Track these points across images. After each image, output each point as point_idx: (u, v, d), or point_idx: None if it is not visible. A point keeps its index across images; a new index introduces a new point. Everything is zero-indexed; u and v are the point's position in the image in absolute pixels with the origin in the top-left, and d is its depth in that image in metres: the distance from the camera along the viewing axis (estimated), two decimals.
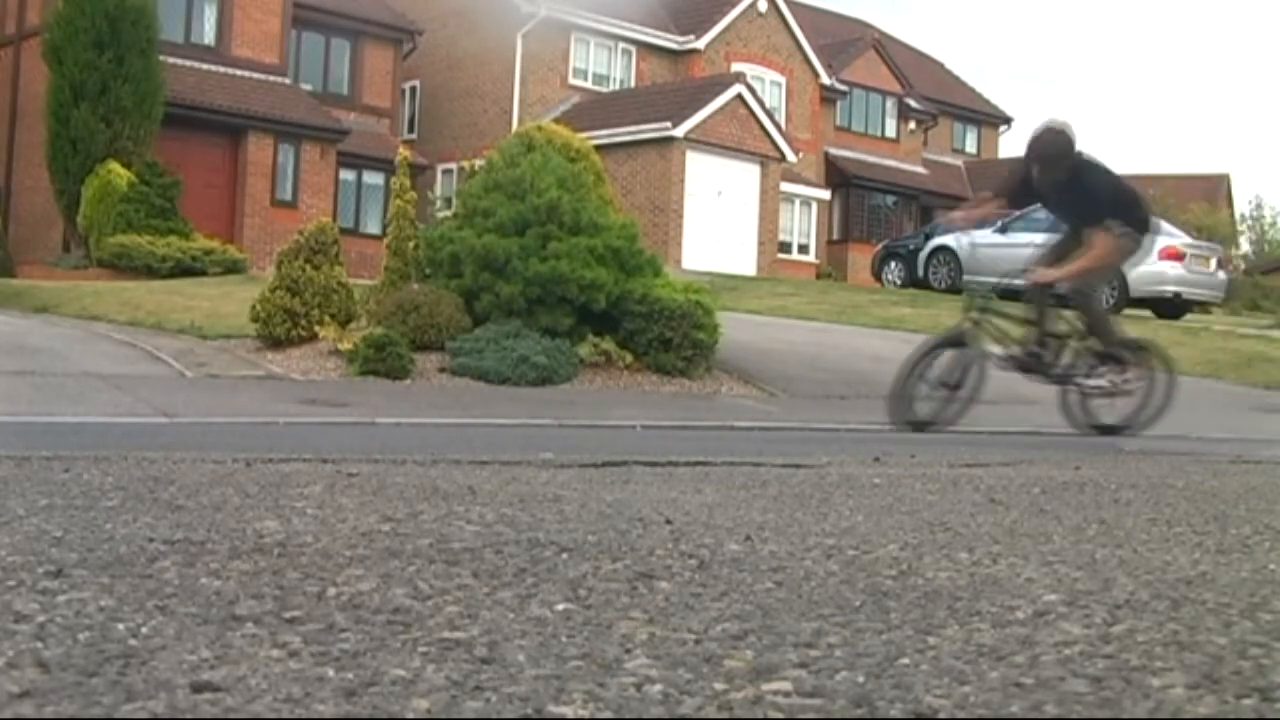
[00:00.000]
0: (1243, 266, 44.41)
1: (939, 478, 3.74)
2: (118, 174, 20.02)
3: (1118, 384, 7.48)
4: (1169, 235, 20.55)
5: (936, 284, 21.95)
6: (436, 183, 25.01)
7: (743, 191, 27.68)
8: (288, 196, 24.44)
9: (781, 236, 29.58)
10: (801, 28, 32.57)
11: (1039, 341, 7.35)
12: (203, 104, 23.09)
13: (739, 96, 27.19)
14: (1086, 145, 8.12)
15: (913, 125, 37.57)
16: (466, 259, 10.45)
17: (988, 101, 42.23)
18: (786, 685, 1.34)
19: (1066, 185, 7.11)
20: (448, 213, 13.07)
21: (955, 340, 7.40)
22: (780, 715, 1.24)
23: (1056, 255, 7.44)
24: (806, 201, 31.18)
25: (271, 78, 24.75)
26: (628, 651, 1.47)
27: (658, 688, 1.32)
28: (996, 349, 7.34)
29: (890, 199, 35.78)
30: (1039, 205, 8.26)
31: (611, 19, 29.35)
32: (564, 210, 10.42)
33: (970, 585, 1.97)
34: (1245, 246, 53.52)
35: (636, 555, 2.13)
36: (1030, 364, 7.35)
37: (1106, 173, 7.24)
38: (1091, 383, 7.47)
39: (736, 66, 30.01)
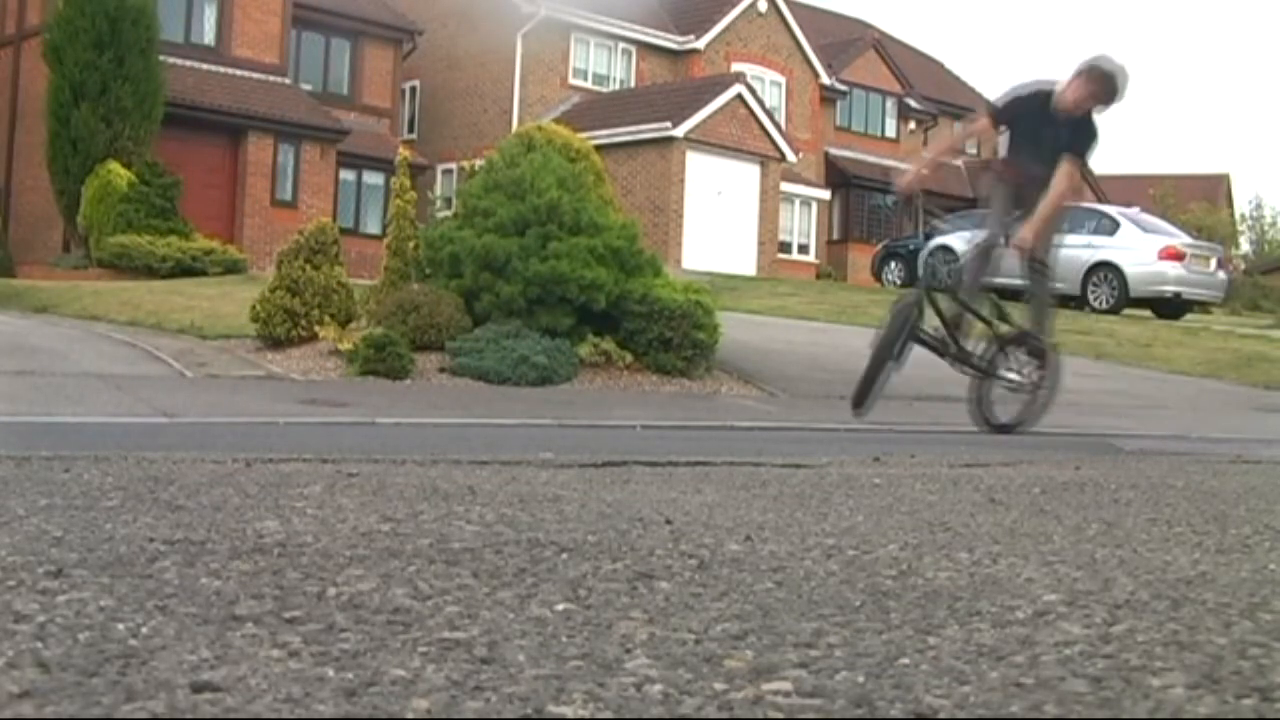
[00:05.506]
0: (1243, 266, 44.41)
1: (939, 478, 3.74)
2: (118, 174, 20.02)
3: (1035, 381, 6.83)
4: (1168, 235, 20.56)
5: (937, 284, 21.95)
6: (436, 183, 25.00)
7: (743, 191, 27.68)
8: (288, 196, 24.44)
9: (781, 236, 29.58)
10: (801, 28, 32.57)
11: (955, 323, 6.77)
12: (203, 104, 23.10)
13: (739, 96, 27.19)
14: None
15: (913, 125, 37.58)
16: (466, 259, 10.44)
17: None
18: (786, 685, 1.34)
19: (1064, 123, 6.52)
20: (448, 213, 13.07)
21: (912, 324, 6.77)
22: (780, 715, 1.24)
23: (1010, 205, 6.74)
24: (806, 201, 31.18)
25: (271, 78, 24.75)
26: (628, 651, 1.47)
27: (658, 688, 1.32)
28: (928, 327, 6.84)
29: (890, 199, 35.79)
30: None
31: (611, 19, 29.35)
32: (564, 210, 10.41)
33: (970, 585, 1.97)
34: (1245, 246, 53.53)
35: (636, 555, 2.13)
36: (945, 347, 6.78)
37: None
38: (1013, 376, 6.85)
39: (736, 66, 30.01)
